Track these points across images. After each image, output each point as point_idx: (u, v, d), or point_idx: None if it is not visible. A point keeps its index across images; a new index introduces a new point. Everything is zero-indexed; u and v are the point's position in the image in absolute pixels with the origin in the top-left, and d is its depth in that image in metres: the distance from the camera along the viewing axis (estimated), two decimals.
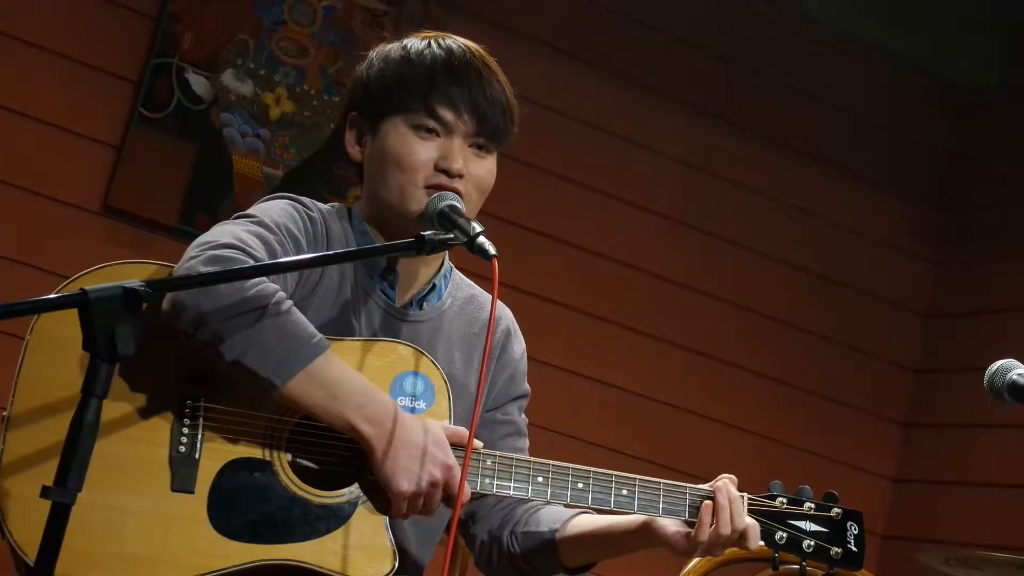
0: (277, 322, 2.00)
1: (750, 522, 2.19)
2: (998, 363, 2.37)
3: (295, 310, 2.04)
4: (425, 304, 2.31)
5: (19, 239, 3.84)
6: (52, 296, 1.82)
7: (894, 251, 5.09)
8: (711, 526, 2.17)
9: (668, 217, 4.72)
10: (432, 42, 2.25)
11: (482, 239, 2.07)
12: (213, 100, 4.05)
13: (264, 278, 2.03)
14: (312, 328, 2.04)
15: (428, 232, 2.05)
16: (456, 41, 2.27)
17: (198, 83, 4.04)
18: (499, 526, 2.36)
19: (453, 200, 2.16)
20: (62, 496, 1.70)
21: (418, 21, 4.09)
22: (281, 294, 2.03)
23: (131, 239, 3.91)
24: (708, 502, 2.19)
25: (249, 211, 2.18)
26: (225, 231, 2.09)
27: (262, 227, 2.12)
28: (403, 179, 2.20)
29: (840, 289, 4.97)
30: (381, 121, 2.24)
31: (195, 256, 2.01)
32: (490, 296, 2.36)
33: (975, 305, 4.94)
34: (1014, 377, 2.34)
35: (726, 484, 2.21)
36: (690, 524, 2.21)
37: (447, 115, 2.20)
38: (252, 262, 2.03)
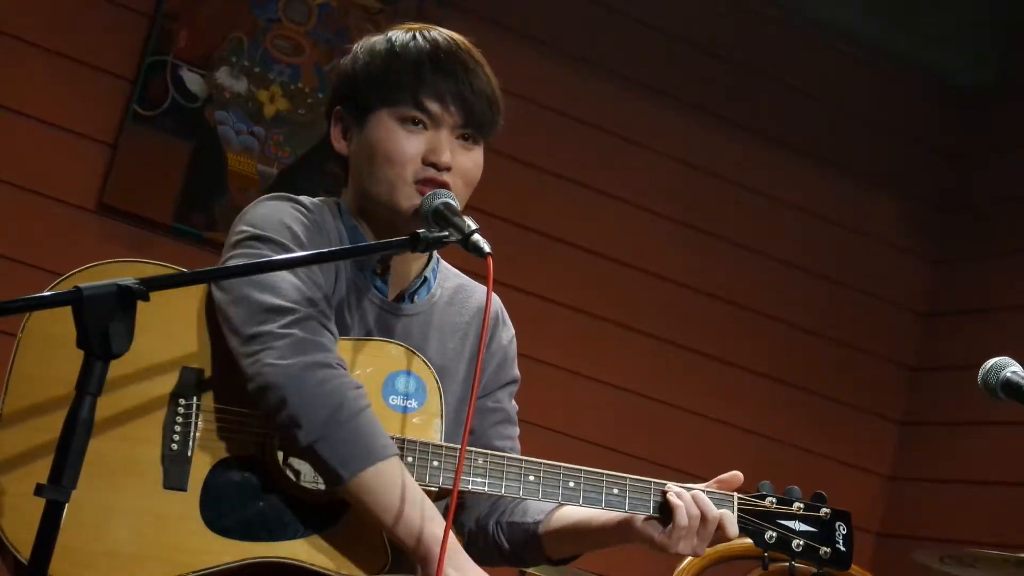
0: (354, 419, 2.03)
1: (723, 512, 2.20)
2: (992, 361, 2.37)
3: (371, 411, 2.06)
4: (416, 297, 2.31)
5: (14, 237, 3.84)
6: (46, 294, 1.81)
7: (891, 249, 5.09)
8: (682, 523, 2.18)
9: (666, 216, 4.72)
10: (417, 34, 2.26)
11: (477, 237, 2.07)
12: (208, 98, 4.04)
13: (346, 372, 2.07)
14: (384, 432, 2.06)
15: (422, 230, 2.05)
16: (441, 33, 2.27)
17: (193, 81, 4.04)
18: (486, 515, 2.37)
19: (448, 198, 2.16)
20: (56, 494, 1.70)
21: (413, 19, 4.08)
22: (362, 391, 2.06)
23: (126, 237, 3.91)
24: (673, 498, 2.19)
25: (263, 230, 2.16)
26: (291, 292, 2.09)
27: (308, 268, 2.14)
28: (392, 173, 2.20)
29: (837, 287, 4.97)
30: (367, 114, 2.24)
31: (280, 337, 2.04)
32: (478, 284, 2.38)
33: (972, 303, 4.94)
34: (1008, 375, 2.34)
35: (687, 490, 2.21)
36: (667, 521, 2.21)
37: (434, 107, 2.20)
38: (329, 332, 2.09)
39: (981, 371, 2.37)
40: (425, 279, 2.32)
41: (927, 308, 5.08)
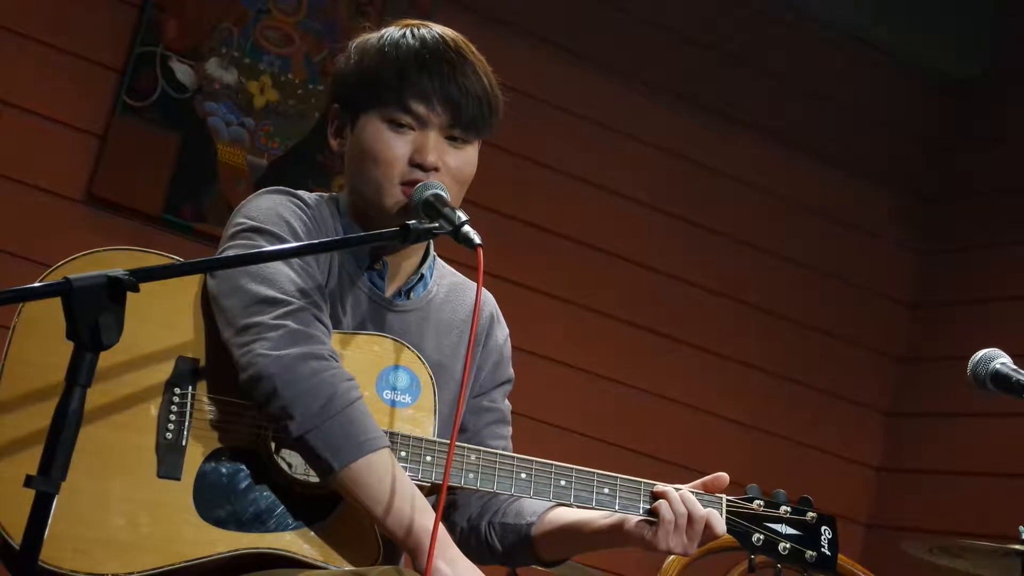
0: (345, 411, 2.03)
1: (710, 511, 2.21)
2: (981, 352, 2.39)
3: (362, 402, 2.06)
4: (412, 294, 2.31)
5: (3, 228, 3.83)
6: (36, 284, 1.81)
7: (881, 240, 5.11)
8: (668, 518, 2.19)
9: (656, 208, 4.73)
10: (408, 32, 2.24)
11: (467, 228, 2.07)
12: (197, 89, 4.04)
13: (338, 364, 2.07)
14: (375, 424, 2.06)
15: (413, 221, 2.05)
16: (432, 31, 2.25)
17: (182, 72, 4.03)
18: (478, 515, 2.37)
19: (439, 189, 2.16)
20: (45, 486, 1.69)
21: (403, 10, 4.08)
22: (354, 383, 2.06)
23: (116, 228, 3.90)
24: (661, 500, 2.20)
25: (261, 223, 2.17)
26: (285, 284, 2.10)
27: (303, 261, 2.14)
28: (379, 175, 2.20)
29: (825, 278, 4.98)
30: (359, 115, 2.24)
31: (273, 328, 2.04)
32: (474, 283, 2.37)
33: (959, 295, 4.95)
34: (997, 366, 2.36)
35: (678, 491, 2.22)
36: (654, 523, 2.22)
37: (419, 109, 2.19)
38: (323, 325, 2.10)
39: (970, 363, 2.38)
40: (422, 276, 2.32)
41: (916, 299, 5.09)
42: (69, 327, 1.71)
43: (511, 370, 2.45)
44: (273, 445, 2.10)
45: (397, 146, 2.20)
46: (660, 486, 2.23)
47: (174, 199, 3.98)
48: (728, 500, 2.27)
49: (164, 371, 2.09)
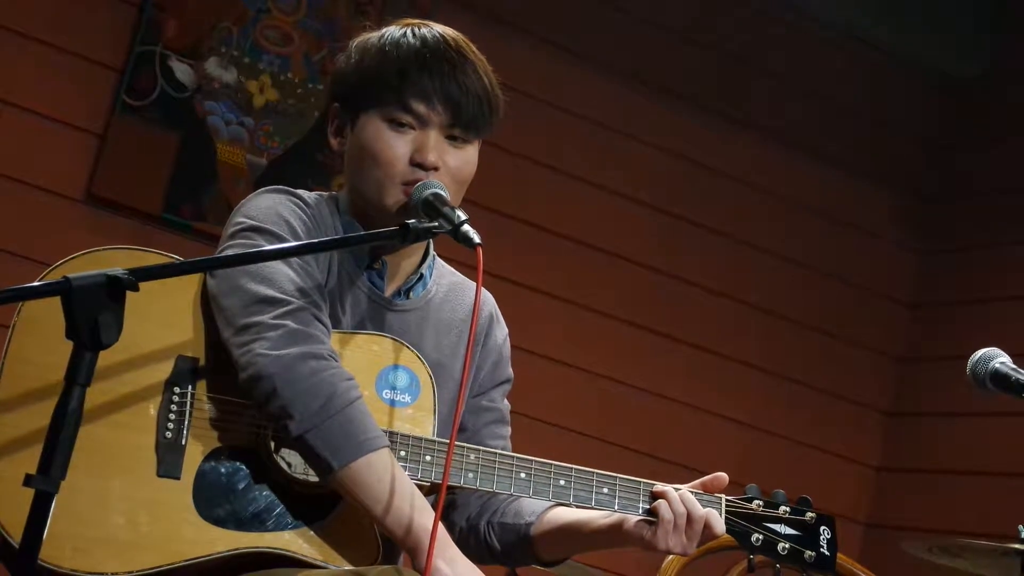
0: (345, 410, 2.03)
1: (709, 511, 2.21)
2: (981, 352, 2.39)
3: (362, 402, 2.06)
4: (411, 293, 2.31)
5: (3, 228, 3.83)
6: (35, 283, 1.81)
7: (880, 240, 5.11)
8: (667, 518, 2.19)
9: (654, 207, 4.73)
10: (408, 31, 2.24)
11: (467, 227, 2.07)
12: (197, 88, 4.04)
13: (338, 364, 2.07)
14: (375, 424, 2.06)
15: (412, 220, 2.05)
16: (432, 30, 2.25)
17: (182, 71, 4.03)
18: (477, 514, 2.37)
19: (438, 188, 2.16)
20: (45, 484, 1.69)
21: (403, 9, 4.08)
22: (353, 382, 2.06)
23: (115, 228, 3.90)
24: (661, 500, 2.20)
25: (260, 222, 2.17)
26: (285, 283, 2.10)
27: (302, 260, 2.14)
28: (379, 174, 2.20)
29: (825, 278, 4.99)
30: (359, 114, 2.24)
31: (273, 328, 2.04)
32: (473, 282, 2.38)
33: (959, 295, 4.96)
34: (996, 365, 2.36)
35: (678, 491, 2.22)
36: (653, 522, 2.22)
37: (420, 108, 2.19)
38: (322, 324, 2.09)
39: (970, 362, 2.38)
40: (421, 275, 2.32)
41: (916, 299, 5.10)
42: (68, 326, 1.71)
43: (510, 370, 2.45)
44: (272, 444, 2.10)
45: (397, 145, 2.20)
46: (659, 486, 2.23)
47: (174, 198, 3.99)
48: (727, 500, 2.27)
49: (164, 370, 2.09)
